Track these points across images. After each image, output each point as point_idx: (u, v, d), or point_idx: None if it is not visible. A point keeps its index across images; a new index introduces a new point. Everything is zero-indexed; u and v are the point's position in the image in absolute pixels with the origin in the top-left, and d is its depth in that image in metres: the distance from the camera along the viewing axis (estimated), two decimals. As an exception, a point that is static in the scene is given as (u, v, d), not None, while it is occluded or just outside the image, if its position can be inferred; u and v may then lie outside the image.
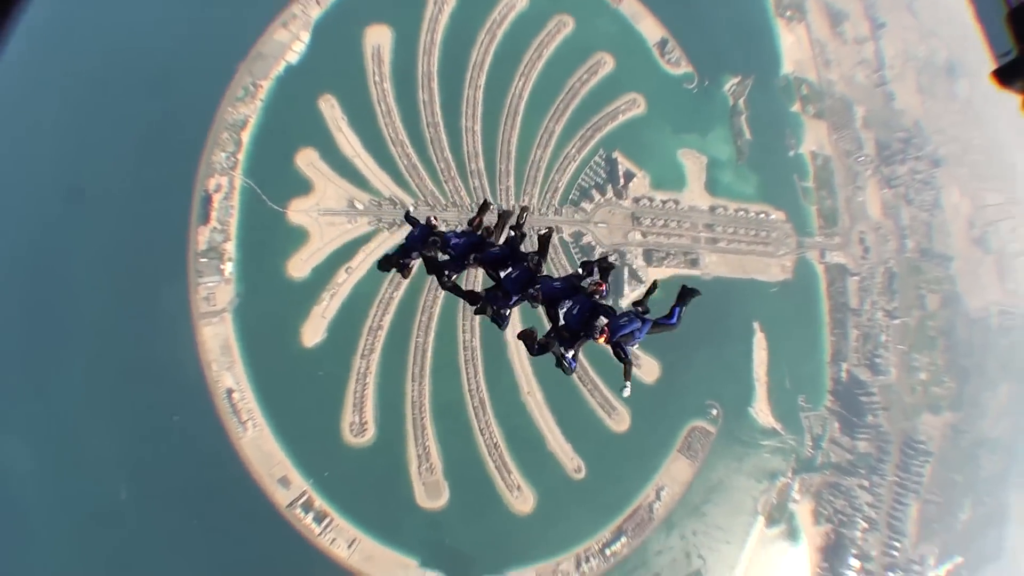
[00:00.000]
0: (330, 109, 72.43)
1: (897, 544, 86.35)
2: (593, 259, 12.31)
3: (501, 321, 11.91)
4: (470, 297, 12.35)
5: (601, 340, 10.99)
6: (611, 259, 13.50)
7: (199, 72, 70.45)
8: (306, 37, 68.07)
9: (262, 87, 67.38)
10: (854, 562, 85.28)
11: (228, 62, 69.84)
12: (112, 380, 66.17)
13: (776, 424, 79.52)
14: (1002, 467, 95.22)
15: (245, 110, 68.06)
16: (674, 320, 11.54)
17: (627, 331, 11.14)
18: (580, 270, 12.28)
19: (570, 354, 11.27)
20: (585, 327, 11.28)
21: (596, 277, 11.86)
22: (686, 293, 11.77)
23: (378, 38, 73.95)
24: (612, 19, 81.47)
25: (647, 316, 11.49)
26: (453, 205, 73.71)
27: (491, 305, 11.78)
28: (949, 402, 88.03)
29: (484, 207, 13.92)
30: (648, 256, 76.41)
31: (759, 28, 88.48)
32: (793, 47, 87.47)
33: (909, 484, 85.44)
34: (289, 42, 67.25)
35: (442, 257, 12.53)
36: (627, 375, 11.31)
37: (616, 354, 11.19)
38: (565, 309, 11.52)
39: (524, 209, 13.35)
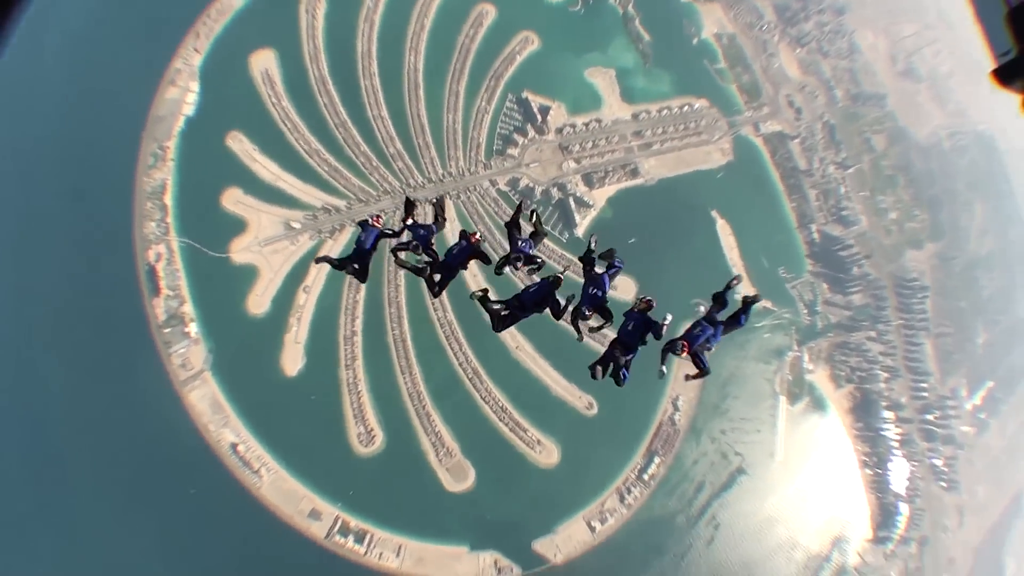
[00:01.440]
0: (239, 144, 77.36)
1: (924, 384, 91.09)
2: (594, 249, 14.44)
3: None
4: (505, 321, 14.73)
5: (683, 354, 12.79)
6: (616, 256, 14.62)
7: (104, 153, 72.94)
8: (196, 86, 74.38)
9: (169, 148, 72.84)
10: (887, 414, 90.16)
11: (129, 134, 73.64)
12: (117, 475, 69.55)
13: (766, 303, 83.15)
14: (1003, 282, 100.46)
15: (159, 175, 71.39)
16: (743, 323, 13.56)
17: (702, 339, 12.99)
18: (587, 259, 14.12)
19: (624, 366, 13.22)
20: (642, 340, 13.15)
21: (643, 295, 13.45)
22: (748, 301, 13.81)
23: (263, 63, 79.04)
24: None
25: (718, 320, 13.39)
26: (385, 193, 77.62)
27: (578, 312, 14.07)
28: (928, 233, 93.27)
29: (410, 206, 15.41)
30: (588, 180, 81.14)
31: None
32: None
33: (915, 323, 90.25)
34: (181, 96, 73.41)
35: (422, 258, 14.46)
36: (699, 375, 13.62)
37: (695, 363, 13.08)
38: (622, 327, 13.19)
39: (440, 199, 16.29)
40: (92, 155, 72.05)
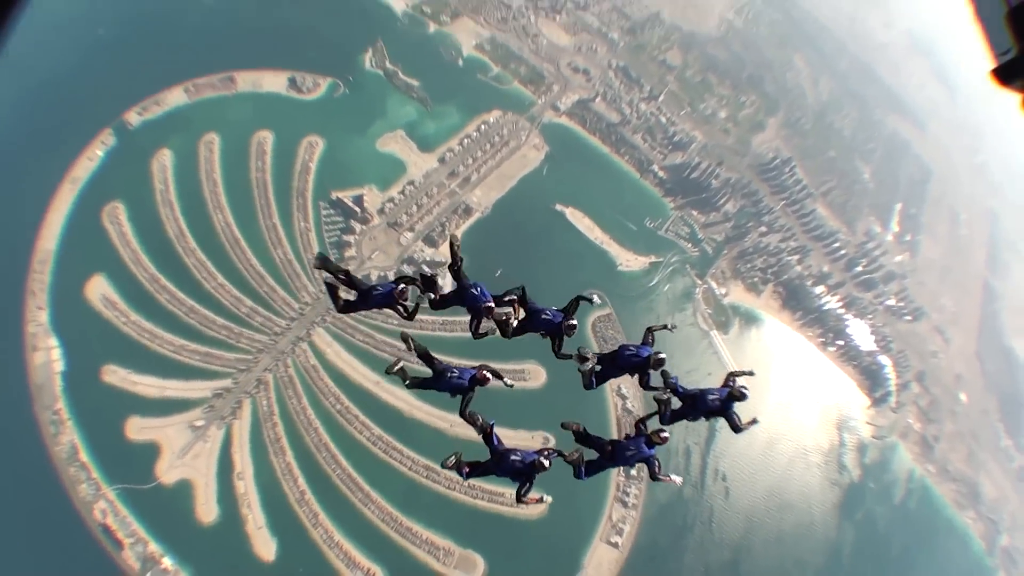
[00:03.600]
0: (115, 375, 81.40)
1: (836, 244, 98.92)
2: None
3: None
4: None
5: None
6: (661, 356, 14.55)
7: (11, 440, 77.18)
8: (54, 340, 77.97)
9: (61, 409, 76.29)
10: (818, 289, 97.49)
11: (20, 414, 76.21)
12: None
13: (649, 258, 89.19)
14: (858, 112, 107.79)
15: (66, 438, 75.61)
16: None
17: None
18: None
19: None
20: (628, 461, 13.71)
21: (660, 431, 13.76)
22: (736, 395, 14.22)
23: (97, 289, 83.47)
24: (240, 102, 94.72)
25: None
26: (259, 352, 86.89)
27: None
28: (763, 111, 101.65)
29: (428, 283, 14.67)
30: (430, 240, 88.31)
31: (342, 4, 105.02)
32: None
33: (796, 196, 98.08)
34: (48, 357, 77.26)
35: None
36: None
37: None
38: (625, 450, 13.64)
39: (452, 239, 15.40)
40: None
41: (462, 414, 14.25)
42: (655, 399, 14.16)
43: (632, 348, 14.21)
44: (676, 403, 14.35)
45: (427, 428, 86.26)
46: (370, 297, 14.06)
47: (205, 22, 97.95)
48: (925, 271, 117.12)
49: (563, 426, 15.03)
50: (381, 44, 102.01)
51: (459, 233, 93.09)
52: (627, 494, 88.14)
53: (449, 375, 13.95)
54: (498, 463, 13.85)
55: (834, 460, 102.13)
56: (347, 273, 14.34)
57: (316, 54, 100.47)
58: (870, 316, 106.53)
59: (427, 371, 14.60)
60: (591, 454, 14.16)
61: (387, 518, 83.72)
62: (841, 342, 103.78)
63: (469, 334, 14.97)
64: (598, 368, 14.51)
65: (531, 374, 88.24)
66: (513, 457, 13.65)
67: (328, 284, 14.15)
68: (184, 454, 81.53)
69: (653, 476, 14.28)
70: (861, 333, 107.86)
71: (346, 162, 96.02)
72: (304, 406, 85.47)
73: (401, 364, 14.62)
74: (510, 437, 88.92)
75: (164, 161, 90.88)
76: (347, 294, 14.38)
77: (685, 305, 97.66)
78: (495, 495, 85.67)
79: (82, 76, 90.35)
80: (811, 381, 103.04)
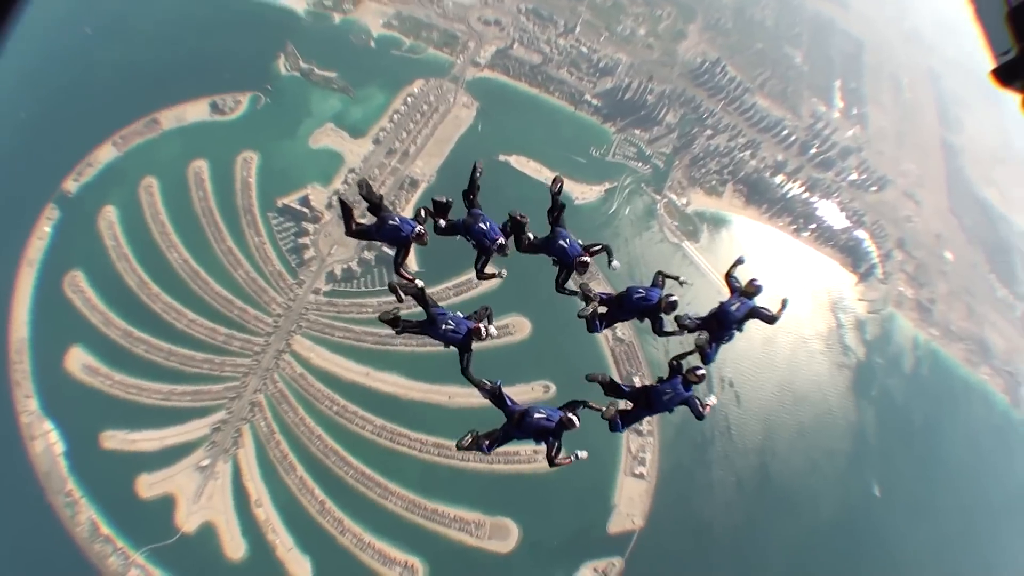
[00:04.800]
0: (114, 439, 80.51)
1: (785, 131, 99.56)
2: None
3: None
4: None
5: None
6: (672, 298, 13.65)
7: (31, 527, 75.76)
8: (49, 424, 79.92)
9: (72, 490, 77.02)
10: (778, 179, 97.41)
11: (35, 505, 77.26)
12: None
13: (604, 185, 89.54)
14: (775, 3, 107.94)
15: (84, 516, 77.04)
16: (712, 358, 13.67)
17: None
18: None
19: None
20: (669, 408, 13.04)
21: (697, 369, 13.07)
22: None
23: (77, 359, 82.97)
24: (168, 141, 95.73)
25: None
26: (245, 375, 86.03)
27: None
28: (681, 19, 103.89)
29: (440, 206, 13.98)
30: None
31: (246, 15, 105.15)
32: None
33: (733, 93, 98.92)
34: (47, 443, 78.79)
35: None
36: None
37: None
38: (661, 395, 13.00)
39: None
40: (19, 532, 75.73)
41: (464, 372, 13.47)
42: (696, 345, 13.34)
43: (641, 291, 13.52)
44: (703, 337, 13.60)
45: (426, 406, 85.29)
46: (384, 227, 13.13)
47: (115, 74, 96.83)
48: (880, 140, 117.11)
49: (588, 378, 13.85)
50: (291, 47, 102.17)
51: (409, 204, 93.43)
52: (640, 423, 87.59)
53: (444, 327, 12.80)
54: (518, 424, 12.95)
55: (836, 343, 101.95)
56: (381, 199, 13.48)
57: (230, 74, 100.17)
58: (836, 194, 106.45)
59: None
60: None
61: (410, 506, 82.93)
62: (813, 225, 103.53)
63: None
64: (603, 310, 13.72)
65: (515, 327, 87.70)
66: (537, 415, 12.81)
67: (344, 203, 13.40)
68: (199, 498, 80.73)
69: (698, 415, 13.48)
70: (831, 212, 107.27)
71: (284, 168, 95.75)
72: (302, 416, 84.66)
73: (396, 312, 13.20)
74: (509, 392, 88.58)
75: (110, 217, 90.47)
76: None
77: (650, 223, 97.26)
78: (510, 455, 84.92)
79: (12, 160, 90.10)
80: (794, 270, 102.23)
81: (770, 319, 14.02)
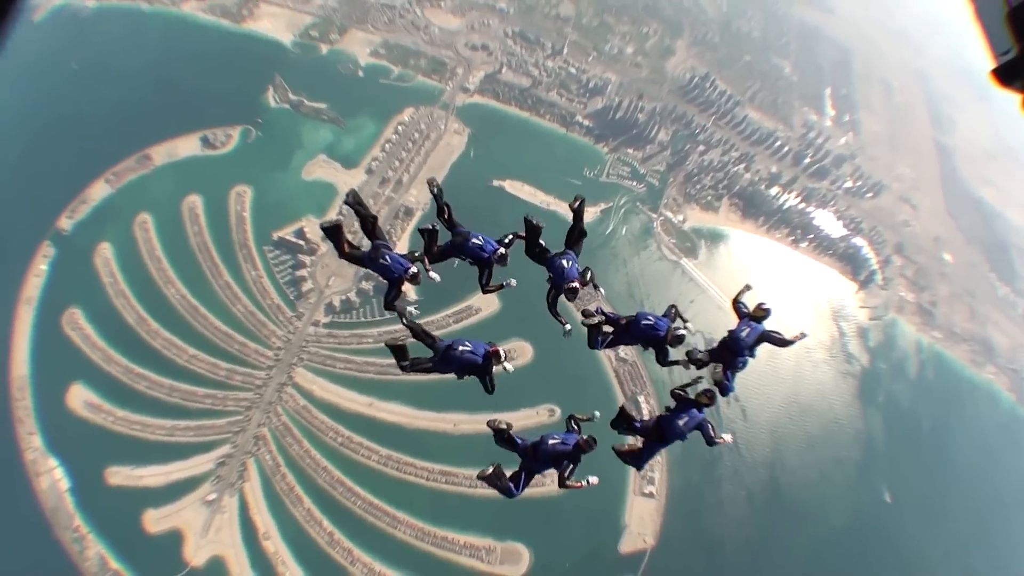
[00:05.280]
0: (119, 475, 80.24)
1: (778, 143, 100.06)
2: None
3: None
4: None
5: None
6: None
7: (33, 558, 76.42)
8: (54, 460, 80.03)
9: (79, 525, 77.31)
10: (773, 191, 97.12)
11: (44, 542, 77.34)
12: None
13: (599, 206, 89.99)
14: (761, 15, 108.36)
15: (93, 551, 76.26)
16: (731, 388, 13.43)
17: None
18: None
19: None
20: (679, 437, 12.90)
21: (707, 388, 13.02)
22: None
23: (78, 396, 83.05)
24: (161, 176, 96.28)
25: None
26: (249, 408, 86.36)
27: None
28: (668, 35, 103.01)
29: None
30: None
31: (234, 49, 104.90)
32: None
33: (724, 107, 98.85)
34: (52, 478, 79.33)
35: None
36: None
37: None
38: (675, 423, 12.80)
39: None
40: (28, 568, 76.28)
41: (489, 392, 13.33)
42: (714, 380, 13.21)
43: (651, 318, 13.22)
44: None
45: (432, 435, 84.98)
46: (376, 262, 12.66)
47: (108, 111, 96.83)
48: (873, 146, 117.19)
49: (584, 315, 13.59)
50: (279, 79, 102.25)
51: (405, 233, 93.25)
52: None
53: (461, 348, 12.49)
54: (534, 456, 12.98)
55: (839, 352, 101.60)
56: (375, 220, 13.06)
57: (220, 108, 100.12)
58: (832, 203, 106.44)
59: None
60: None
61: (420, 534, 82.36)
62: (811, 235, 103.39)
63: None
64: (608, 329, 13.53)
65: (518, 351, 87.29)
66: (551, 441, 12.80)
67: (327, 230, 12.58)
68: (207, 532, 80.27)
69: (709, 441, 13.25)
70: (828, 221, 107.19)
71: (278, 201, 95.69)
72: (307, 449, 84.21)
73: (403, 342, 12.94)
74: (514, 418, 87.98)
75: (106, 254, 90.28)
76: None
77: (647, 242, 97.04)
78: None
79: (6, 199, 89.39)
80: (793, 281, 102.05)
81: (782, 343, 13.69)
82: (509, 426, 13.26)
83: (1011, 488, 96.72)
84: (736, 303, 14.06)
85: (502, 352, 12.67)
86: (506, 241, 13.12)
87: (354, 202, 12.66)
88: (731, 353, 13.15)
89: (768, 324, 13.40)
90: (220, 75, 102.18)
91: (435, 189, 13.47)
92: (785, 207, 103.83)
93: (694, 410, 12.76)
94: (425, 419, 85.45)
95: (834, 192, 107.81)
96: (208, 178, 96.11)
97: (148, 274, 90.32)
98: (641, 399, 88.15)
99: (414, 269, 12.28)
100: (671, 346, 12.95)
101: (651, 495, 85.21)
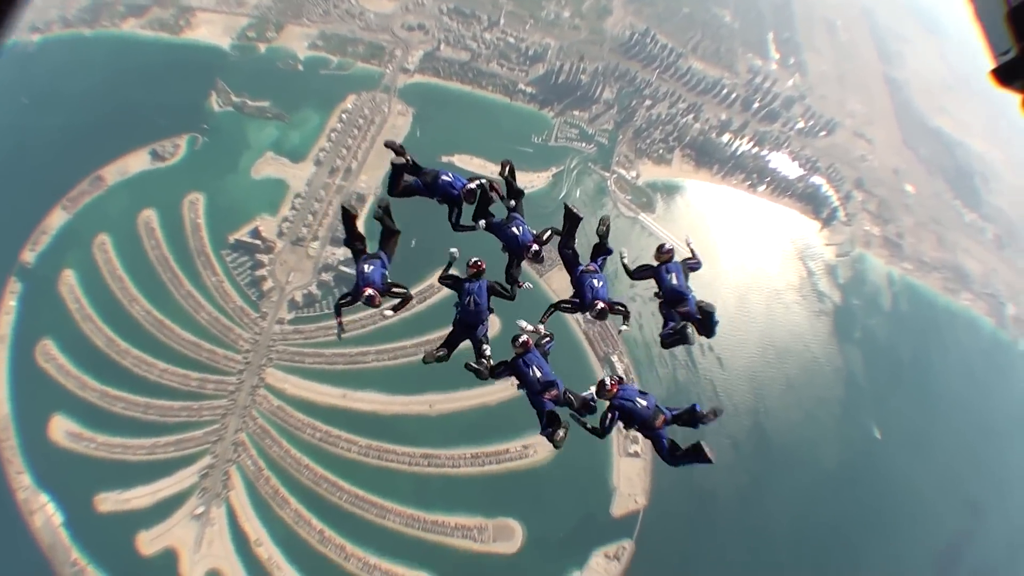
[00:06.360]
0: (107, 501, 79.75)
1: (724, 90, 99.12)
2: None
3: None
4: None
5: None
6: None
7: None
8: (46, 496, 79.90)
9: (77, 559, 76.82)
10: (725, 138, 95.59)
11: (39, 570, 76.90)
12: None
13: (550, 171, 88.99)
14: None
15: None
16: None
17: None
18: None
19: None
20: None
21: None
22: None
23: (60, 427, 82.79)
24: (115, 195, 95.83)
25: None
26: (224, 415, 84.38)
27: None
28: None
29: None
30: (336, 241, 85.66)
31: (173, 60, 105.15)
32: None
33: (666, 60, 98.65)
34: (46, 516, 78.79)
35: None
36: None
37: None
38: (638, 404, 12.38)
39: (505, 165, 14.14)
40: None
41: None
42: (689, 338, 12.97)
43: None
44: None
45: (409, 418, 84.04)
46: (437, 186, 13.19)
47: (57, 138, 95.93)
48: (822, 85, 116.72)
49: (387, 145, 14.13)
50: (221, 83, 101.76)
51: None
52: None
53: (443, 179, 13.28)
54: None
55: (810, 291, 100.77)
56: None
57: (165, 119, 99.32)
58: (785, 145, 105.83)
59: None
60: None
61: (410, 521, 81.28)
62: (768, 179, 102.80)
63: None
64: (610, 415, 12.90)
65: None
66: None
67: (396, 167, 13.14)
68: (199, 547, 79.17)
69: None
70: (784, 163, 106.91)
71: (230, 203, 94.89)
72: (287, 449, 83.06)
73: (443, 353, 13.24)
74: (481, 393, 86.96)
75: (70, 281, 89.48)
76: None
77: (603, 201, 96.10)
78: (501, 454, 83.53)
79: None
80: (755, 226, 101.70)
81: (696, 264, 13.83)
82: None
83: (1000, 414, 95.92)
84: (640, 270, 13.62)
85: (475, 189, 12.84)
86: (544, 238, 13.13)
87: (399, 149, 13.02)
88: (677, 301, 12.99)
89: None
90: (163, 87, 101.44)
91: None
92: (739, 153, 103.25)
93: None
94: (400, 404, 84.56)
95: (787, 134, 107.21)
96: (160, 191, 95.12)
97: (112, 294, 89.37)
98: (615, 358, 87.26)
99: (471, 185, 12.80)
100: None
101: (636, 454, 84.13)
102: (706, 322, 13.23)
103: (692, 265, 13.65)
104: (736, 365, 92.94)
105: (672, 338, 13.02)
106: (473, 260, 13.07)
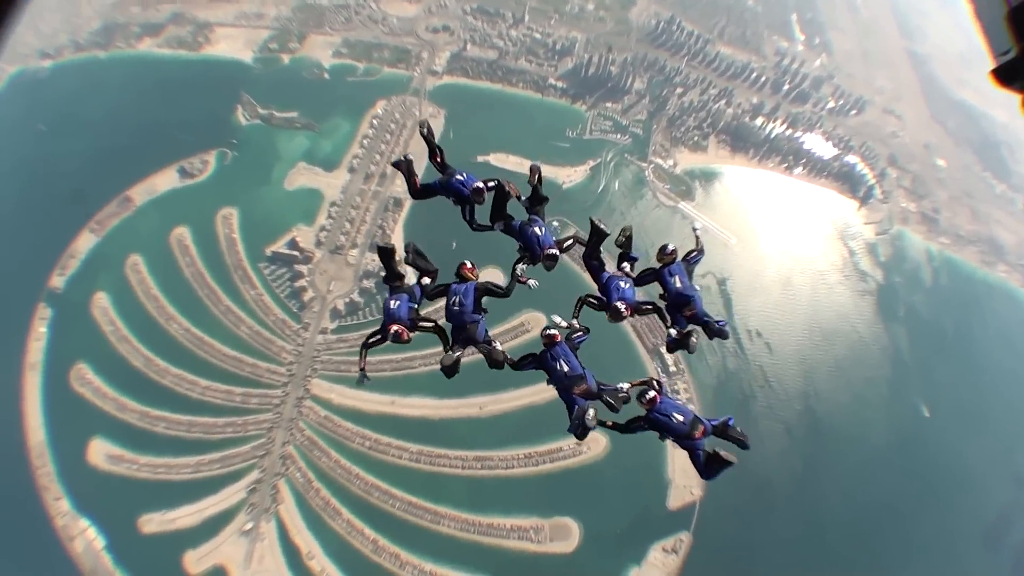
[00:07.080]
0: (152, 522, 78.26)
1: (754, 73, 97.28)
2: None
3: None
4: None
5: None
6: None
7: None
8: (84, 522, 78.45)
9: (114, 574, 76.22)
10: (758, 122, 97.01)
11: None
12: None
13: (587, 164, 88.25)
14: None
15: None
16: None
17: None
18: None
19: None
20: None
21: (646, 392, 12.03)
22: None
23: (100, 450, 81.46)
24: (145, 215, 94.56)
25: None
26: (270, 429, 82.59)
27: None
28: None
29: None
30: (375, 248, 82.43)
31: (196, 77, 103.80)
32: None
33: (694, 47, 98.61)
34: (87, 540, 77.27)
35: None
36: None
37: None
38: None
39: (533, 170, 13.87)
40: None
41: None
42: (691, 347, 12.49)
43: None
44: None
45: (459, 422, 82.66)
46: (450, 186, 13.29)
47: (82, 162, 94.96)
48: (848, 63, 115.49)
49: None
50: (246, 96, 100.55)
51: (398, 224, 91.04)
52: (676, 393, 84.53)
53: (457, 178, 13.22)
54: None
55: (852, 271, 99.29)
56: (442, 152, 13.93)
57: (192, 136, 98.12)
58: (818, 125, 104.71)
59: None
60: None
61: (464, 525, 79.94)
62: (803, 160, 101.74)
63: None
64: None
65: (532, 323, 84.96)
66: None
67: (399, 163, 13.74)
68: (250, 563, 77.82)
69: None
70: (818, 144, 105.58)
71: (265, 216, 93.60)
72: (336, 459, 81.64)
73: (457, 358, 12.23)
74: (531, 393, 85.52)
75: (103, 304, 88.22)
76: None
77: (642, 191, 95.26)
78: (552, 453, 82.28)
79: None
80: (795, 208, 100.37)
81: (697, 257, 13.09)
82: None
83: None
84: (643, 275, 13.02)
85: (482, 188, 12.78)
86: (565, 245, 12.73)
87: (428, 134, 14.09)
88: (684, 304, 12.33)
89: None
90: (187, 104, 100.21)
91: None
92: (773, 136, 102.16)
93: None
94: (449, 407, 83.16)
95: (818, 114, 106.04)
96: (191, 208, 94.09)
97: (148, 314, 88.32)
98: (663, 349, 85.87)
99: (479, 184, 12.76)
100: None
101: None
102: (716, 328, 12.56)
103: (693, 259, 13.10)
104: (785, 350, 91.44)
105: (676, 344, 12.46)
106: (461, 263, 12.67)
